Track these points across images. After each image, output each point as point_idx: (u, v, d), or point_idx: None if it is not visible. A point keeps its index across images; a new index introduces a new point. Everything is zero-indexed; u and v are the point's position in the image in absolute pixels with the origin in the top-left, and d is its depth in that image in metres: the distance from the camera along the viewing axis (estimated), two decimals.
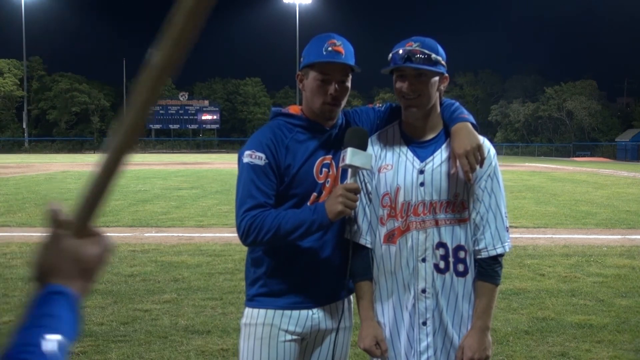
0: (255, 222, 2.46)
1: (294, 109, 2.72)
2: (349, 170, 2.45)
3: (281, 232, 2.45)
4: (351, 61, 2.55)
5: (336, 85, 2.54)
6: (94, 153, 70.76)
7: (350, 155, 2.42)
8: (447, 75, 2.57)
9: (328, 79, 2.54)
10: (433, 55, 2.46)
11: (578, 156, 70.00)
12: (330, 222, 2.46)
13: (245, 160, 2.56)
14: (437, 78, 2.51)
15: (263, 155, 2.54)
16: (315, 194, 2.60)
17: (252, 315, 2.67)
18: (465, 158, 2.44)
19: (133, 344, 5.50)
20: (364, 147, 2.47)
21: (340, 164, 2.48)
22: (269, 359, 2.61)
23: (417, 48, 2.45)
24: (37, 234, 11.64)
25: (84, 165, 39.84)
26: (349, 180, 2.44)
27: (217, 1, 0.97)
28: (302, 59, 2.64)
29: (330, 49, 2.52)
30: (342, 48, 2.54)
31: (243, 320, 2.71)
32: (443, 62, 2.52)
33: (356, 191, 2.42)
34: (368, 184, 2.62)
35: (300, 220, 2.45)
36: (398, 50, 2.48)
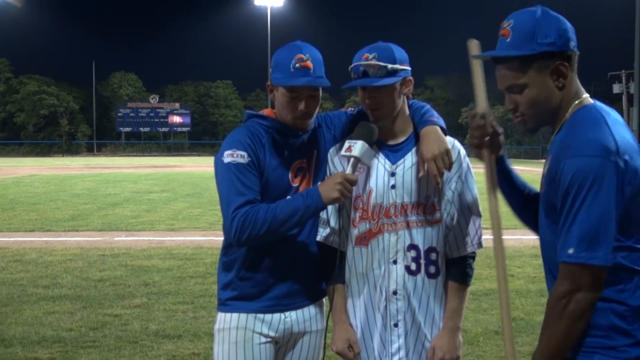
0: (248, 217, 2.43)
1: (268, 112, 2.70)
2: (350, 161, 2.46)
3: (277, 221, 2.43)
4: (320, 75, 2.54)
5: (305, 102, 2.53)
6: (63, 156, 69.84)
7: (360, 148, 2.44)
8: (410, 78, 2.56)
9: (296, 96, 2.53)
10: (389, 66, 2.45)
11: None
12: (325, 207, 2.47)
13: (227, 160, 2.52)
14: (398, 85, 2.51)
15: (245, 154, 2.52)
16: (289, 196, 2.59)
17: (225, 320, 2.65)
18: (434, 162, 2.45)
19: (103, 350, 5.44)
20: (371, 145, 2.49)
21: (344, 153, 2.48)
22: None
23: (372, 61, 2.44)
24: (4, 239, 11.45)
25: (52, 168, 39.29)
26: (348, 171, 2.45)
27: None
28: (271, 69, 2.62)
29: (297, 65, 2.50)
30: (310, 62, 2.51)
31: (216, 326, 2.69)
32: (403, 67, 2.50)
33: (353, 183, 2.44)
34: None
35: (295, 207, 2.45)
36: (356, 64, 2.48)
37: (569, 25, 2.05)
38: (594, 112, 1.99)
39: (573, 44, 2.03)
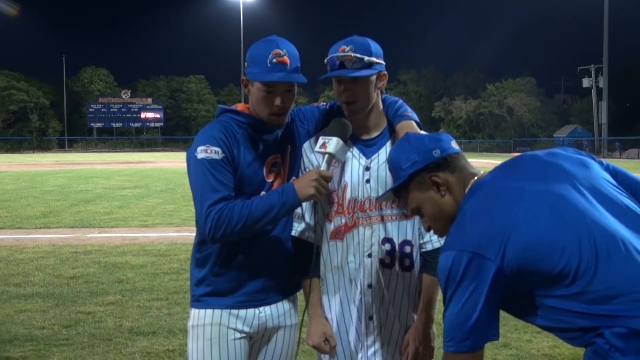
0: (223, 214, 2.41)
1: (241, 107, 2.69)
2: (325, 157, 2.47)
3: (252, 218, 2.42)
4: (297, 72, 2.53)
5: (281, 97, 2.52)
6: (33, 152, 68.86)
7: (335, 145, 2.45)
8: (385, 72, 2.57)
9: (273, 91, 2.52)
10: (366, 58, 2.46)
11: (518, 151, 71.30)
12: (300, 203, 2.49)
13: (201, 156, 2.49)
14: (374, 78, 2.52)
15: (219, 150, 2.49)
16: (263, 192, 2.59)
17: (199, 316, 2.64)
18: None
19: (76, 348, 5.38)
20: (345, 141, 2.51)
21: (318, 149, 2.49)
22: (220, 358, 2.59)
23: (349, 53, 2.45)
24: None
25: (22, 165, 38.74)
26: (322, 168, 2.46)
27: None
28: (246, 64, 2.59)
29: (274, 60, 2.48)
30: (287, 57, 2.49)
31: (190, 323, 2.68)
32: (379, 60, 2.51)
33: (328, 179, 2.46)
34: None
35: (270, 204, 2.44)
36: (332, 56, 2.48)
37: (427, 140, 2.18)
38: (466, 205, 2.00)
39: (439, 151, 2.12)
